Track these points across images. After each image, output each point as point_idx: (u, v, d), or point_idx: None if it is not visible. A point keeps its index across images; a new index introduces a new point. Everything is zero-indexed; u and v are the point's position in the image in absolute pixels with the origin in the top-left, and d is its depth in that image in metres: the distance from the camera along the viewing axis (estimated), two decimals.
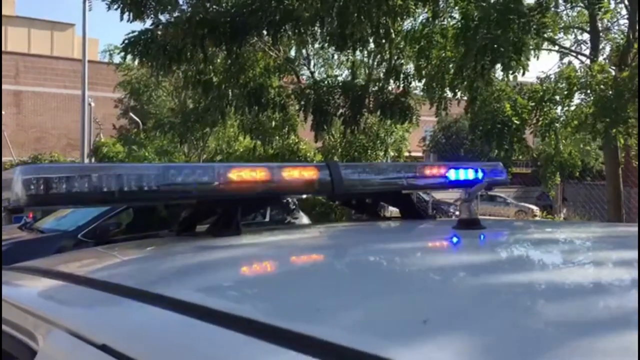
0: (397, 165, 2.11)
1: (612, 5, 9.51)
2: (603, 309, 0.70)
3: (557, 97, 9.03)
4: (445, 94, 9.35)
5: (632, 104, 7.58)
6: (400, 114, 10.80)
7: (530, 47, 7.73)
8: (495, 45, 7.29)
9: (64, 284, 1.14)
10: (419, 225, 1.65)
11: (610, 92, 7.71)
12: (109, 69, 22.13)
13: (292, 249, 1.36)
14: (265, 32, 9.62)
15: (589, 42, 10.25)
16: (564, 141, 10.44)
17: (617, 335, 0.60)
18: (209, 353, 0.68)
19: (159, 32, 9.20)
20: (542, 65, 31.43)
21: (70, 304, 1.04)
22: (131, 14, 9.24)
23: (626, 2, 9.44)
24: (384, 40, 9.35)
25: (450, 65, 8.68)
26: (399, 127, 13.06)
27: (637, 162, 10.53)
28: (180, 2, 9.79)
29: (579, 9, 10.45)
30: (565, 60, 10.35)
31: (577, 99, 9.07)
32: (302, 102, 10.97)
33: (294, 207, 8.76)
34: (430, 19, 8.91)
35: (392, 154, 13.37)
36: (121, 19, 9.25)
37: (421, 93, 10.58)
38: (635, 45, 8.41)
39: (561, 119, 9.47)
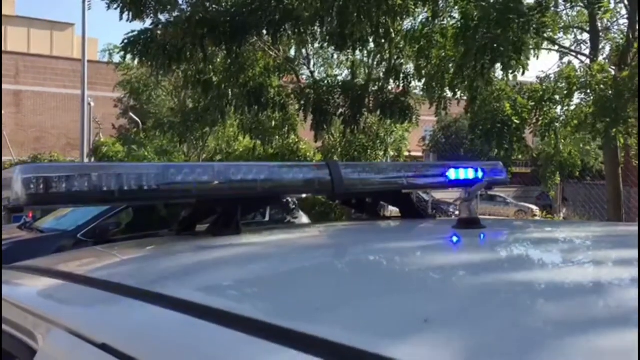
0: (397, 165, 2.11)
1: (612, 5, 9.52)
2: (603, 309, 0.70)
3: (557, 97, 9.03)
4: (445, 94, 9.36)
5: (632, 103, 7.58)
6: (400, 113, 10.80)
7: (530, 47, 7.73)
8: (495, 45, 7.30)
9: (64, 283, 1.14)
10: (419, 225, 1.65)
11: (610, 92, 7.71)
12: (109, 69, 22.13)
13: (292, 248, 1.36)
14: (265, 32, 9.62)
15: (588, 41, 10.25)
16: (563, 141, 10.44)
17: (617, 334, 0.60)
18: (209, 352, 0.68)
19: (159, 32, 9.20)
20: (541, 65, 31.47)
21: (70, 303, 1.04)
22: (131, 14, 9.24)
23: (626, 2, 9.44)
24: (383, 40, 9.35)
25: (450, 65, 8.68)
26: (399, 127, 13.07)
27: (637, 162, 10.53)
28: (180, 2, 9.80)
29: (578, 8, 10.45)
30: (565, 60, 10.35)
31: (577, 98, 9.08)
32: (302, 102, 10.97)
33: (294, 206, 8.76)
34: (430, 18, 8.92)
35: (391, 153, 13.38)
36: (121, 18, 9.26)
37: (421, 93, 10.59)
38: (635, 45, 8.41)
39: (561, 118, 9.48)
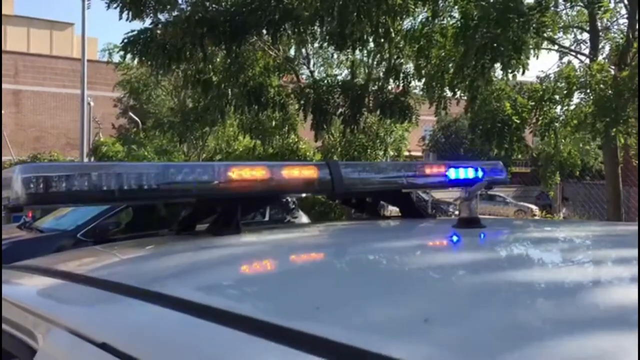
0: (397, 164, 2.11)
1: (612, 5, 9.52)
2: (603, 308, 0.70)
3: (557, 97, 9.03)
4: (444, 94, 9.35)
5: (631, 103, 7.58)
6: (399, 113, 10.81)
7: (530, 47, 7.73)
8: (495, 45, 7.30)
9: (64, 282, 1.14)
10: (419, 224, 1.65)
11: (610, 92, 7.71)
12: (108, 68, 22.10)
13: (291, 247, 1.36)
14: (264, 31, 9.62)
15: (588, 41, 10.24)
16: (563, 140, 10.43)
17: (617, 334, 0.60)
18: (209, 351, 0.68)
19: (159, 31, 9.20)
20: (541, 64, 31.47)
21: (70, 302, 1.04)
22: (130, 13, 9.24)
23: (626, 2, 9.44)
24: (383, 40, 9.35)
25: (450, 65, 8.68)
26: (399, 127, 13.07)
27: (636, 162, 10.53)
28: (180, 1, 9.80)
29: (578, 8, 10.45)
30: (565, 59, 10.34)
31: (576, 98, 9.08)
32: (302, 102, 10.97)
33: (294, 206, 8.76)
34: (430, 18, 8.92)
35: (391, 153, 13.37)
36: (120, 18, 9.27)
37: (421, 92, 10.59)
38: (635, 45, 8.41)
39: (561, 118, 9.47)
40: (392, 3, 8.51)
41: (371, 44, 10.20)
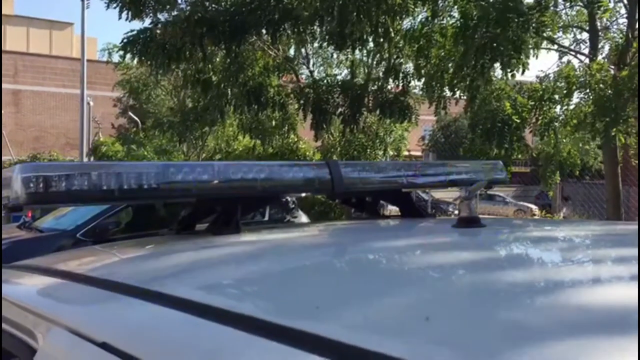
0: (397, 164, 2.11)
1: (611, 5, 9.51)
2: (603, 307, 0.70)
3: (557, 96, 9.03)
4: (444, 93, 9.36)
5: (631, 103, 7.58)
6: (399, 113, 10.81)
7: (530, 46, 7.73)
8: (495, 44, 7.30)
9: (64, 282, 1.14)
10: (418, 224, 1.65)
11: (610, 91, 7.71)
12: (108, 68, 22.09)
13: (291, 247, 1.36)
14: (264, 31, 9.63)
15: (588, 41, 10.25)
16: (563, 140, 10.44)
17: (617, 333, 0.60)
18: (209, 350, 0.68)
19: (158, 31, 9.20)
20: (541, 64, 31.49)
21: (70, 302, 1.04)
22: (130, 13, 9.24)
23: (625, 1, 9.44)
24: (383, 40, 9.35)
25: (450, 64, 8.68)
26: (398, 126, 13.08)
27: (636, 161, 10.53)
28: (179, 1, 9.81)
29: (578, 8, 10.45)
30: (565, 59, 10.35)
31: (576, 98, 9.08)
32: (302, 101, 10.98)
33: (293, 206, 8.75)
34: (430, 18, 8.92)
35: (391, 153, 13.38)
36: (120, 17, 9.27)
37: (420, 92, 10.59)
38: (635, 45, 8.41)
39: (560, 118, 9.47)
40: (392, 3, 8.51)
41: (371, 44, 10.21)
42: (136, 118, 22.70)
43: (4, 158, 20.89)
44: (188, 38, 8.84)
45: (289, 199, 8.02)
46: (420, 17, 9.63)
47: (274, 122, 13.21)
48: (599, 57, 9.51)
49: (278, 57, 11.46)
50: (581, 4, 9.81)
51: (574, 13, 11.05)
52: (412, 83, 10.86)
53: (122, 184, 1.27)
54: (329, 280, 0.93)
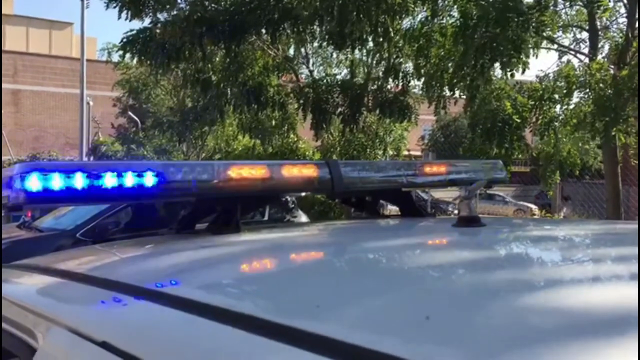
0: (397, 163, 2.11)
1: (611, 4, 9.50)
2: (603, 307, 0.70)
3: (556, 96, 9.03)
4: (444, 93, 9.35)
5: (631, 102, 7.58)
6: (399, 112, 10.81)
7: (530, 46, 7.73)
8: (495, 44, 7.30)
9: (64, 281, 1.14)
10: (418, 223, 1.65)
11: (609, 91, 7.71)
12: (108, 68, 22.07)
13: (291, 246, 1.36)
14: (264, 31, 9.63)
15: (587, 40, 10.24)
16: (563, 139, 10.43)
17: (617, 333, 0.60)
18: (209, 350, 0.68)
19: (158, 31, 9.20)
20: (540, 64, 31.48)
21: (70, 301, 1.04)
22: (129, 13, 9.24)
23: (625, 1, 9.44)
24: (382, 39, 9.35)
25: (450, 64, 8.68)
26: (398, 126, 13.07)
27: (635, 161, 10.53)
28: (179, 1, 9.80)
29: (577, 7, 10.44)
30: (564, 58, 10.34)
31: (576, 97, 9.07)
32: (301, 101, 10.98)
33: (293, 205, 8.75)
34: (429, 17, 8.91)
35: (390, 152, 13.37)
36: (119, 17, 9.26)
37: (420, 92, 10.59)
38: (634, 44, 8.41)
39: (560, 117, 9.47)
40: (392, 2, 8.51)
41: (370, 44, 10.20)
42: (136, 118, 22.68)
43: (3, 158, 20.88)
44: (187, 37, 8.84)
45: (289, 198, 8.02)
46: (420, 16, 9.63)
47: (273, 122, 13.20)
48: (599, 57, 9.51)
49: (278, 56, 11.45)
50: (581, 3, 9.81)
51: (573, 12, 11.05)
52: (412, 83, 10.87)
53: (122, 184, 1.27)
54: (329, 280, 0.93)
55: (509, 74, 7.66)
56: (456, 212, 1.67)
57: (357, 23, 8.28)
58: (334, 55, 13.68)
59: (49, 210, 7.73)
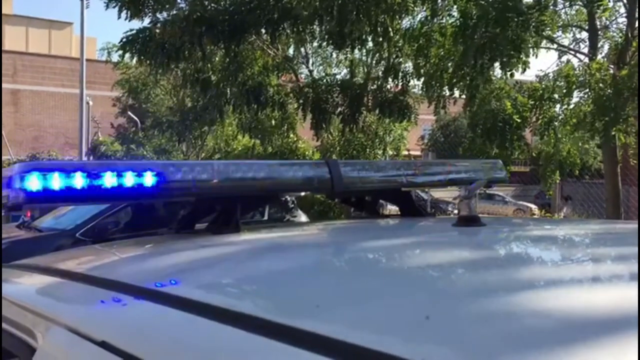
0: (397, 163, 2.11)
1: (611, 4, 9.51)
2: (603, 307, 0.70)
3: (556, 96, 9.03)
4: (443, 93, 9.35)
5: (630, 102, 7.58)
6: (398, 112, 10.81)
7: (529, 45, 7.73)
8: (494, 44, 7.30)
9: (63, 281, 1.14)
10: (418, 223, 1.65)
11: (609, 91, 7.71)
12: (107, 68, 22.05)
13: (291, 246, 1.36)
14: (263, 31, 9.63)
15: (587, 40, 10.24)
16: (563, 139, 10.44)
17: (617, 333, 0.60)
18: (208, 349, 0.68)
19: (157, 30, 9.20)
20: (540, 63, 31.49)
21: (70, 301, 1.04)
22: (129, 13, 9.24)
23: (624, 1, 9.44)
24: (382, 39, 9.35)
25: (449, 64, 8.68)
26: (398, 126, 13.07)
27: (635, 161, 10.53)
28: (179, 0, 9.79)
29: (577, 7, 10.45)
30: (564, 58, 10.35)
31: (576, 97, 9.08)
32: (301, 101, 10.97)
33: (293, 205, 8.75)
34: (429, 17, 8.91)
35: (390, 152, 13.38)
36: (119, 17, 9.26)
37: (420, 91, 10.59)
38: (634, 44, 8.41)
39: (560, 117, 9.48)
40: (391, 2, 8.51)
41: (370, 43, 10.20)
42: (135, 117, 22.67)
43: (3, 158, 20.88)
44: (187, 37, 8.83)
45: (289, 198, 8.01)
46: (419, 16, 9.63)
47: (273, 122, 13.20)
48: (599, 57, 9.51)
49: (277, 56, 11.45)
50: (580, 3, 9.81)
51: (573, 12, 11.05)
52: (412, 82, 10.86)
53: (122, 184, 1.27)
54: (329, 279, 0.93)
55: (508, 73, 7.67)
56: (456, 211, 1.67)
57: (356, 23, 8.28)
58: (334, 55, 13.68)
59: (49, 210, 7.73)
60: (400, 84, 10.96)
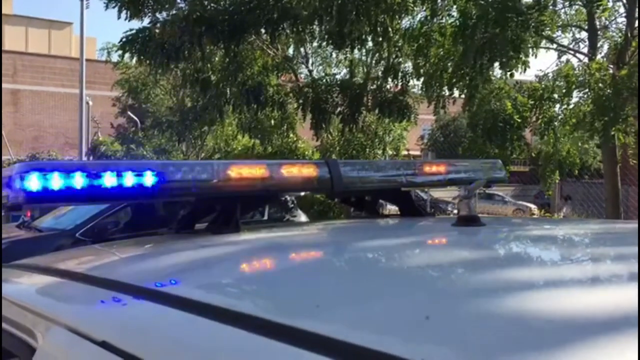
0: (396, 163, 2.10)
1: (610, 4, 9.51)
2: (603, 307, 0.70)
3: (556, 96, 9.03)
4: (443, 92, 9.35)
5: (630, 102, 7.58)
6: (398, 112, 10.81)
7: (529, 45, 7.74)
8: (494, 44, 7.30)
9: (63, 281, 1.14)
10: (418, 223, 1.65)
11: (609, 91, 7.71)
12: (107, 68, 22.03)
13: (291, 246, 1.36)
14: (263, 30, 9.62)
15: (587, 40, 10.24)
16: (563, 139, 10.44)
17: (617, 333, 0.60)
18: (208, 349, 0.68)
19: (157, 30, 9.19)
20: (540, 63, 31.48)
21: (70, 301, 1.04)
22: (129, 13, 9.24)
23: (624, 0, 9.44)
24: (382, 39, 9.35)
25: (449, 64, 8.68)
26: (397, 126, 13.07)
27: (635, 160, 10.53)
28: (178, 0, 9.79)
29: (577, 7, 10.44)
30: (564, 58, 10.35)
31: (575, 97, 9.08)
32: (301, 101, 10.98)
33: (293, 205, 8.75)
34: (429, 17, 8.91)
35: (390, 152, 13.37)
36: (119, 17, 9.26)
37: (419, 91, 10.59)
38: (634, 44, 8.41)
39: (560, 117, 9.48)
40: (391, 2, 8.51)
41: (370, 43, 10.20)
42: (135, 117, 22.65)
43: (3, 158, 20.86)
44: (187, 37, 8.83)
45: (288, 198, 8.01)
46: (419, 16, 9.63)
47: (273, 122, 13.20)
48: (598, 56, 9.51)
49: (277, 56, 11.45)
50: (580, 3, 9.81)
51: (573, 12, 11.05)
52: (411, 82, 10.87)
53: (121, 184, 1.27)
54: (329, 279, 0.93)
55: (508, 73, 7.67)
56: (455, 211, 1.67)
57: (356, 23, 8.28)
58: (333, 54, 13.69)
59: (49, 210, 7.73)
60: (400, 83, 10.97)
